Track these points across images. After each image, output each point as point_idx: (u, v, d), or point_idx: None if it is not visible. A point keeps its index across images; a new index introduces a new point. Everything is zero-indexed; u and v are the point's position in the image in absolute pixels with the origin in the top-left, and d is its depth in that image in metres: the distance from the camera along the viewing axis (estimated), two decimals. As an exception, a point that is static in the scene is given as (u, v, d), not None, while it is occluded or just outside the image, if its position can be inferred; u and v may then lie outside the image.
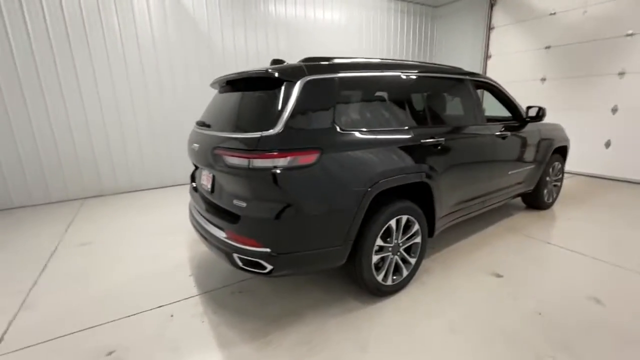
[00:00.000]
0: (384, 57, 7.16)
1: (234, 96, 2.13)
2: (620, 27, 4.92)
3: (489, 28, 6.71)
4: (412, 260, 2.31)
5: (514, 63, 6.41)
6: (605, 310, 2.06)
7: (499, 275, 2.48)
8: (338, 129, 1.85)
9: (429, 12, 7.80)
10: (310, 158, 1.72)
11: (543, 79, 5.98)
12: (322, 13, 6.23)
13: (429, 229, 2.46)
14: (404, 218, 2.16)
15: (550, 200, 3.90)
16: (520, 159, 3.22)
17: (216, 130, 2.05)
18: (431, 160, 2.25)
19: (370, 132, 1.99)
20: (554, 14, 5.66)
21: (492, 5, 6.59)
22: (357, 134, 1.92)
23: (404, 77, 2.28)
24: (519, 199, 3.83)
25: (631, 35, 4.83)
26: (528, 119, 3.26)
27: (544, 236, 3.14)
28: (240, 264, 1.82)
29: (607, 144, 5.27)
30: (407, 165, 2.09)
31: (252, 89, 1.98)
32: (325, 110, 1.84)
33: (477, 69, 7.04)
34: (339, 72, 1.94)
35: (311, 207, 1.76)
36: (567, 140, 3.92)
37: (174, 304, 2.18)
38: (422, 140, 2.21)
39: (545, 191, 3.76)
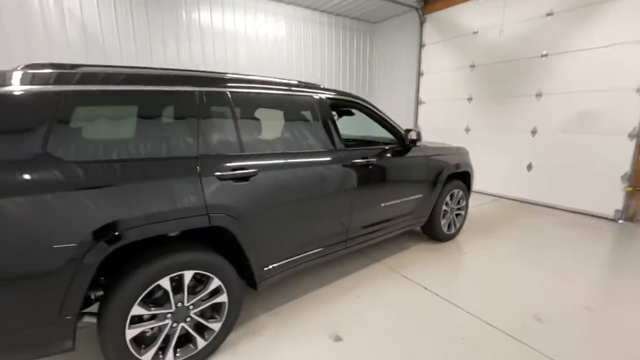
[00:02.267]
0: (319, 74, 6.85)
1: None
2: (535, 47, 4.78)
3: (421, 45, 6.53)
4: (215, 326, 1.80)
5: (443, 81, 6.22)
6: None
7: (338, 339, 2.00)
8: (59, 159, 1.34)
9: (368, 28, 7.61)
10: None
11: (469, 99, 5.79)
12: (245, 22, 5.83)
13: (250, 281, 1.96)
14: (188, 274, 1.65)
15: (452, 231, 3.53)
16: (400, 189, 2.83)
17: None
18: (233, 197, 1.77)
19: (116, 162, 1.48)
20: (477, 32, 5.51)
21: (422, 23, 6.44)
22: (93, 165, 1.41)
23: (189, 91, 1.75)
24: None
25: (546, 55, 4.69)
26: (411, 144, 2.89)
27: (423, 278, 2.72)
28: None
29: (529, 167, 5.06)
30: (177, 208, 1.58)
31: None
32: (30, 133, 1.32)
33: (412, 87, 6.83)
34: (69, 84, 1.43)
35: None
36: (468, 165, 3.59)
37: None
38: (218, 173, 1.73)
39: (444, 222, 3.39)
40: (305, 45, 6.64)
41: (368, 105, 2.71)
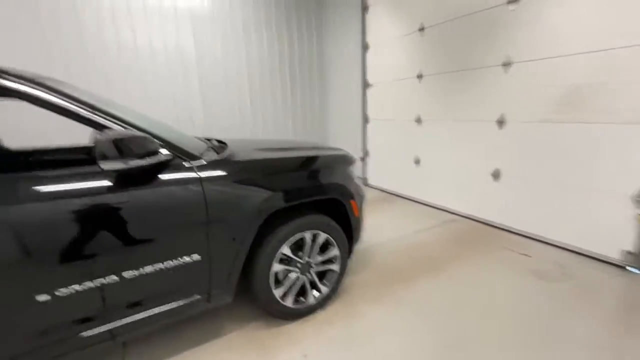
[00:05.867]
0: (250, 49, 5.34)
1: None
2: (499, -10, 3.08)
3: (363, 8, 4.88)
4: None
5: (390, 55, 4.57)
6: None
7: None
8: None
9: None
10: None
11: (419, 76, 4.13)
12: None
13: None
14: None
15: (307, 303, 2.04)
16: (132, 249, 1.40)
17: None
18: None
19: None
20: (424, -22, 3.83)
21: (363, -24, 4.78)
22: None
23: None
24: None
25: (515, 1, 2.98)
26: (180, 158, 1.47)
27: None
28: None
29: (496, 175, 3.40)
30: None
31: None
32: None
33: (358, 66, 5.21)
34: None
35: None
36: (341, 186, 2.07)
37: None
38: None
39: (280, 291, 1.91)
40: (246, 19, 5.16)
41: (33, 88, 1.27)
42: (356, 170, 2.45)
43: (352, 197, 2.12)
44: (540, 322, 1.94)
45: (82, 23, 4.12)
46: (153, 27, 4.54)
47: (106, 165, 1.26)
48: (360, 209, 2.23)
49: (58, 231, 1.23)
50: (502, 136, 3.26)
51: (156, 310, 1.53)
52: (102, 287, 1.35)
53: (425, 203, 4.28)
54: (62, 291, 1.27)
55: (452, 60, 3.65)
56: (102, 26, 4.23)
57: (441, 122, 3.91)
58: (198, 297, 1.65)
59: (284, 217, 1.89)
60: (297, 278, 1.98)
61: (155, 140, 1.47)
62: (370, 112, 5.14)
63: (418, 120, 4.23)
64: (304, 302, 2.04)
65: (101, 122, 1.38)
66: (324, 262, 2.10)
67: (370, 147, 5.28)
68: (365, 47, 4.99)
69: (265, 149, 2.09)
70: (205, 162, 1.62)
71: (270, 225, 1.86)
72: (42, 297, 1.25)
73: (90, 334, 1.38)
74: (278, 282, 1.95)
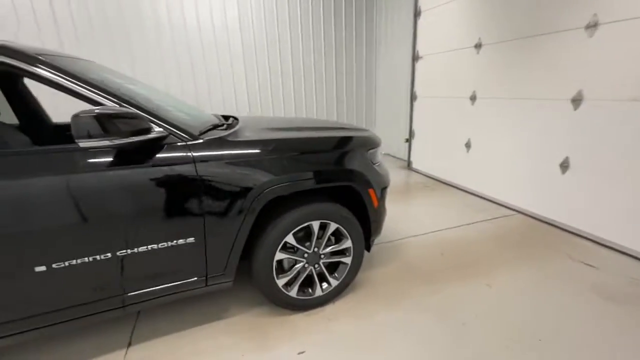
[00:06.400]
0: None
1: None
2: None
3: (418, -33, 4.28)
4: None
5: (446, 20, 3.98)
6: None
7: None
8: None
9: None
10: None
11: (478, 45, 3.53)
12: None
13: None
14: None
15: (314, 294, 1.90)
16: (125, 230, 1.37)
17: None
18: None
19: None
20: None
21: None
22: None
23: None
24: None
25: (614, -60, 2.28)
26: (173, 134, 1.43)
27: None
28: None
29: (564, 165, 2.81)
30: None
31: None
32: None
33: (408, 35, 4.68)
34: None
35: None
36: (358, 172, 1.83)
37: None
38: None
39: (284, 280, 1.79)
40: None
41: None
42: (380, 154, 2.16)
43: (370, 186, 1.88)
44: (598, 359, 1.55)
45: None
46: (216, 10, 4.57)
47: (86, 144, 1.21)
48: (380, 199, 1.97)
49: (33, 209, 1.23)
50: (577, 118, 2.64)
51: (146, 289, 1.52)
52: (90, 265, 1.36)
53: (475, 193, 3.79)
54: (55, 265, 1.30)
55: (519, 24, 3.01)
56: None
57: (499, 100, 3.33)
58: (194, 279, 1.61)
59: (291, 202, 1.74)
60: (304, 268, 1.85)
61: (148, 117, 1.40)
62: (419, 89, 4.63)
63: (472, 98, 3.67)
64: (310, 293, 1.90)
65: (90, 96, 1.33)
66: (335, 254, 1.92)
67: (416, 127, 4.81)
68: (417, 13, 4.42)
69: (276, 129, 1.93)
70: (202, 141, 1.52)
71: (275, 210, 1.73)
72: (40, 268, 1.29)
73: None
74: (283, 270, 1.84)
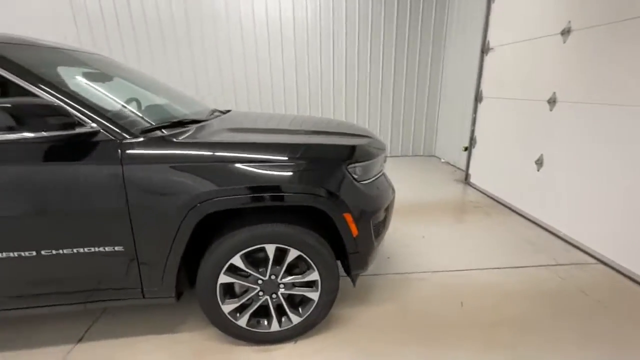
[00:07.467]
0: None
1: None
2: None
3: (497, -62, 3.45)
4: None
5: (523, 3, 3.11)
6: None
7: None
8: None
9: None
10: None
11: (566, 31, 2.64)
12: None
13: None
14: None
15: (265, 328, 1.59)
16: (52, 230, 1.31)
17: None
18: None
19: None
20: None
21: None
22: None
23: None
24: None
25: None
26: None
27: None
28: None
29: (681, 206, 1.88)
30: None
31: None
32: None
33: (479, 24, 3.89)
34: None
35: None
36: (321, 191, 1.43)
37: None
38: None
39: (231, 307, 1.53)
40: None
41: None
42: (376, 169, 1.72)
43: (345, 209, 1.47)
44: None
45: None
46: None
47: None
48: (362, 226, 1.55)
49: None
50: None
51: (77, 291, 1.43)
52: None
53: (541, 225, 2.93)
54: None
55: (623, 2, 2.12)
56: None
57: (590, 106, 2.45)
58: (129, 289, 1.47)
59: (241, 219, 1.47)
60: (257, 296, 1.56)
61: (77, 111, 1.28)
62: (485, 88, 3.80)
63: (551, 101, 2.80)
64: (265, 326, 1.61)
65: (25, 86, 1.26)
66: (297, 286, 1.58)
67: (479, 134, 3.99)
68: (492, -3, 3.61)
69: (247, 130, 1.67)
70: (140, 140, 1.35)
71: (220, 227, 1.48)
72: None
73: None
74: (234, 295, 1.58)
